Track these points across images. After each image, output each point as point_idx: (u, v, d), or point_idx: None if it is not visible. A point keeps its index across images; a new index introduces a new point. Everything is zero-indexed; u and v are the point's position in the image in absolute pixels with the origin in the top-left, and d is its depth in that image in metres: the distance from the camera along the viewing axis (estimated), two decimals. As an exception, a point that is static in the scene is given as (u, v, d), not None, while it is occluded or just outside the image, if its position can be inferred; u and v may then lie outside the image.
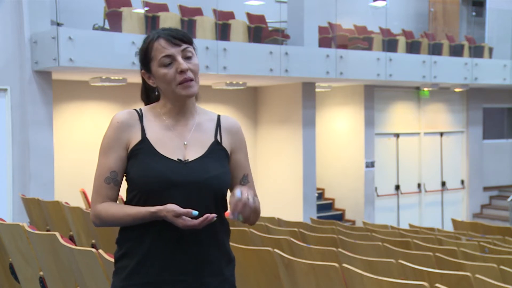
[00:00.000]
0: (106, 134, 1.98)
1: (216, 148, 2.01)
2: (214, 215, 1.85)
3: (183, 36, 1.96)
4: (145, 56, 1.98)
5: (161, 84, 1.97)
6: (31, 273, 3.24)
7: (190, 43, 1.99)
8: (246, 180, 2.08)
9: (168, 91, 1.96)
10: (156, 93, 2.04)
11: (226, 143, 2.03)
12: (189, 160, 1.94)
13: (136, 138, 1.96)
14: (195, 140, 1.99)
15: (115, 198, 1.96)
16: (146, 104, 2.09)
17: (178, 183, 1.89)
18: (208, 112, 2.09)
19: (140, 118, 1.99)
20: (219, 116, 2.08)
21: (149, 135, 1.96)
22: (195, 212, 1.83)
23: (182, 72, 1.93)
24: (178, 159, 1.93)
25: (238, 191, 1.84)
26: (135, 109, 2.02)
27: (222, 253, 1.98)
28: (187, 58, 1.96)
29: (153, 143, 1.95)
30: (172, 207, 1.83)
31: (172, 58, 1.94)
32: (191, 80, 1.95)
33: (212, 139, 2.01)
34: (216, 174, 1.95)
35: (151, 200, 1.88)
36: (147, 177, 1.89)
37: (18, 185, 7.60)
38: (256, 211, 1.93)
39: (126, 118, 1.98)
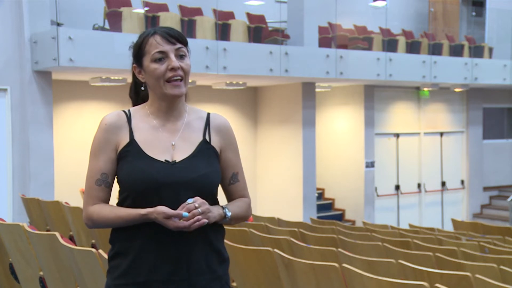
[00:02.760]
0: (96, 136, 1.99)
1: (205, 147, 2.01)
2: (205, 220, 1.85)
3: (178, 36, 1.98)
4: (139, 50, 1.99)
5: (150, 79, 1.97)
6: (31, 273, 3.24)
7: (185, 44, 2.00)
8: (236, 179, 2.08)
9: (156, 87, 1.97)
10: (143, 89, 2.04)
11: (215, 142, 2.03)
12: (176, 161, 1.95)
13: (125, 140, 1.97)
14: (183, 140, 1.99)
15: (106, 199, 1.97)
16: (134, 102, 2.10)
17: (165, 184, 1.90)
18: (197, 110, 2.09)
19: (128, 120, 2.00)
20: (208, 114, 2.08)
21: (137, 137, 1.97)
22: (186, 214, 1.84)
23: (173, 69, 1.94)
24: (165, 160, 1.94)
25: (190, 200, 1.87)
26: (123, 111, 2.03)
27: (214, 252, 1.99)
28: (180, 57, 1.97)
29: (140, 145, 1.95)
30: (162, 209, 1.84)
31: (165, 55, 1.95)
32: (181, 79, 1.95)
33: (200, 138, 2.02)
34: (204, 173, 1.95)
35: (141, 202, 1.89)
36: (135, 179, 1.90)
37: (18, 185, 7.60)
38: (239, 217, 2.03)
39: (114, 120, 1.98)
